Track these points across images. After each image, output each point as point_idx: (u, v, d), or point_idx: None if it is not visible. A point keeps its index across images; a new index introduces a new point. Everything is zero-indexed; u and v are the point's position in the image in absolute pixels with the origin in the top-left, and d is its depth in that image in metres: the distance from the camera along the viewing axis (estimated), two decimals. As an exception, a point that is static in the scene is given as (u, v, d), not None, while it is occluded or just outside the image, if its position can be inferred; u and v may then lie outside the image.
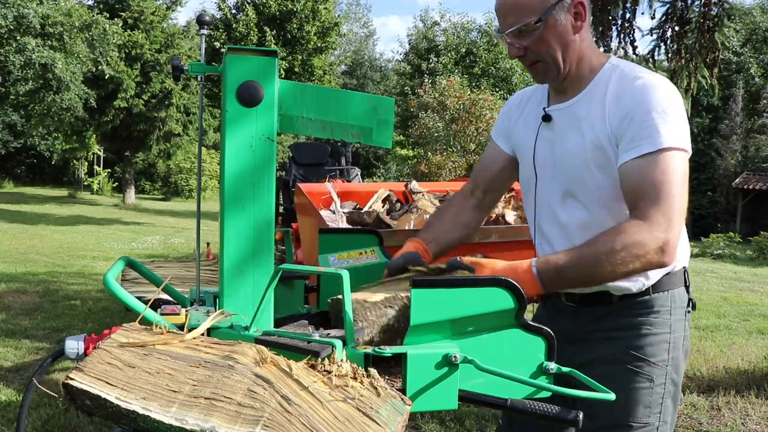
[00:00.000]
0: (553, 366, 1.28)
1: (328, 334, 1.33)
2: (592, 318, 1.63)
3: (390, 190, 4.43)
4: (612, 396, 1.24)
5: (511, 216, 3.84)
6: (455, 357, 1.21)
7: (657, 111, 1.43)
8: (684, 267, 1.64)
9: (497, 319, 1.26)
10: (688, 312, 1.65)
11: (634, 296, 1.58)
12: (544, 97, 1.69)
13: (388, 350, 1.22)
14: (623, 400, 1.54)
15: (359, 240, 1.88)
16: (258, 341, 1.24)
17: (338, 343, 1.23)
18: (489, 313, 1.25)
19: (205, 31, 1.64)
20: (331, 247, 1.85)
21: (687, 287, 1.64)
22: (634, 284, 1.56)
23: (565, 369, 1.29)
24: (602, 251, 1.39)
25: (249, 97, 1.42)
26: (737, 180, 25.14)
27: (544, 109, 1.65)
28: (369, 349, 1.24)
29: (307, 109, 1.53)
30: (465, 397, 1.24)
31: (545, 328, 1.28)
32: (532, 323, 1.27)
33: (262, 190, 1.46)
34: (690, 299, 1.65)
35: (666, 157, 1.41)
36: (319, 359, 1.16)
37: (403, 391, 1.20)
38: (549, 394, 1.28)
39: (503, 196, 3.82)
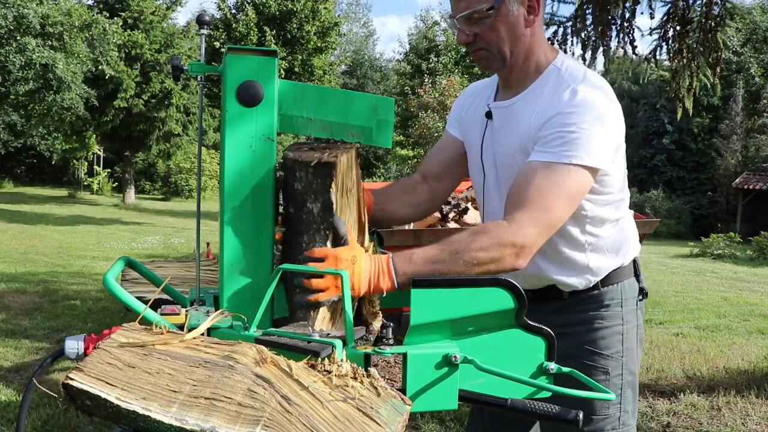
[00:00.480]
0: (553, 366, 1.28)
1: (328, 334, 1.33)
2: (545, 313, 1.59)
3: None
4: (612, 396, 1.25)
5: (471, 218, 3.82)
6: (455, 357, 1.21)
7: (575, 124, 1.40)
8: (634, 258, 1.65)
9: (497, 319, 1.26)
10: (640, 300, 1.67)
11: (584, 292, 1.59)
12: (492, 92, 1.68)
13: (389, 350, 1.22)
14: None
15: (358, 240, 1.87)
16: (258, 341, 1.24)
17: (338, 343, 1.23)
18: (489, 313, 1.25)
19: (205, 31, 1.63)
20: (331, 247, 1.84)
21: (637, 276, 1.66)
22: (580, 281, 1.58)
23: (565, 369, 1.29)
24: (460, 250, 1.35)
25: (249, 96, 1.42)
26: (737, 180, 25.14)
27: (488, 105, 1.64)
28: (369, 349, 1.24)
29: (307, 109, 1.53)
30: (465, 397, 1.24)
31: (545, 328, 1.28)
32: (532, 323, 1.27)
33: (262, 190, 1.45)
34: (641, 288, 1.67)
35: (563, 171, 1.39)
36: (319, 359, 1.16)
37: (403, 391, 1.20)
38: (549, 394, 1.28)
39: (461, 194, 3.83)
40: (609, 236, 1.58)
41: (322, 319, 1.39)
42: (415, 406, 1.21)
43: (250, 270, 1.47)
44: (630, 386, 1.64)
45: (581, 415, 1.20)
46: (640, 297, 1.67)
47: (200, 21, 1.64)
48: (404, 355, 1.21)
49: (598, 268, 1.59)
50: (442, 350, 1.22)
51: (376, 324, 1.42)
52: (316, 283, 1.31)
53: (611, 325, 1.60)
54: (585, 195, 1.46)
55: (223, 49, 1.46)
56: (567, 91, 1.46)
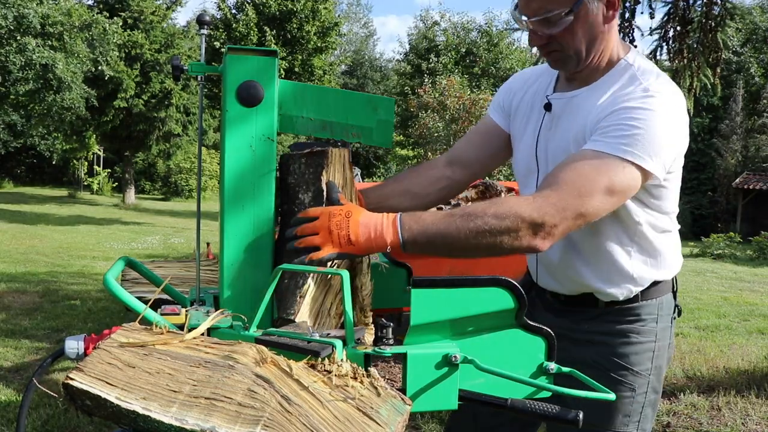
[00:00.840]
0: (553, 366, 1.27)
1: (328, 334, 1.33)
2: (577, 319, 1.57)
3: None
4: (612, 396, 1.24)
5: None
6: (455, 357, 1.21)
7: (641, 120, 1.31)
8: (674, 276, 1.58)
9: (497, 319, 1.26)
10: (674, 319, 1.60)
11: (622, 303, 1.52)
12: (552, 81, 1.58)
13: (389, 350, 1.22)
14: (603, 408, 1.49)
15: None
16: (258, 341, 1.24)
17: (338, 343, 1.23)
18: (489, 313, 1.24)
19: (205, 31, 1.63)
20: (331, 247, 1.84)
21: (674, 294, 1.60)
22: (621, 292, 1.51)
23: (565, 369, 1.29)
24: (473, 213, 1.25)
25: (249, 97, 1.42)
26: (737, 180, 25.15)
27: (547, 96, 1.54)
28: (369, 349, 1.24)
29: (307, 109, 1.53)
30: (465, 397, 1.24)
31: (545, 328, 1.27)
32: (532, 323, 1.27)
33: (262, 190, 1.45)
34: (676, 305, 1.60)
35: (613, 163, 1.29)
36: (319, 359, 1.16)
37: (403, 390, 1.20)
38: (549, 394, 1.28)
39: (503, 195, 3.82)
40: (656, 248, 1.51)
41: (307, 311, 1.38)
42: (415, 406, 1.21)
43: (250, 270, 1.47)
44: (651, 405, 1.58)
45: (581, 415, 1.20)
46: (674, 315, 1.59)
47: (200, 21, 1.64)
48: (404, 355, 1.21)
49: (641, 279, 1.51)
50: (442, 350, 1.22)
51: (368, 336, 1.37)
52: (309, 230, 1.25)
53: (645, 341, 1.53)
54: (629, 196, 1.35)
55: (223, 49, 1.45)
56: (639, 88, 1.37)
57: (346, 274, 1.29)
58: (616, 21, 1.45)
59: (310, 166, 1.43)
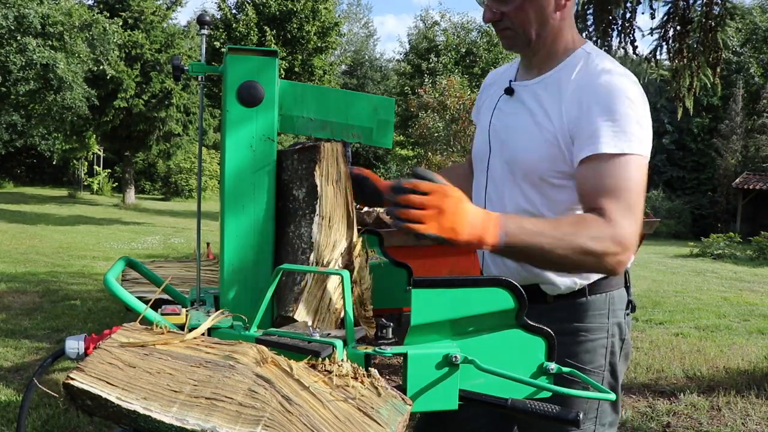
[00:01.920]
0: (553, 366, 1.27)
1: (329, 334, 1.33)
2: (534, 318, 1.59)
3: (390, 190, 4.42)
4: (612, 396, 1.24)
5: None
6: (456, 357, 1.21)
7: (618, 112, 1.35)
8: (625, 268, 1.54)
9: (497, 319, 1.26)
10: (627, 314, 1.58)
11: (569, 297, 1.52)
12: (513, 73, 1.64)
13: (389, 350, 1.22)
14: (560, 405, 1.50)
15: (359, 240, 1.87)
16: (258, 341, 1.24)
17: (338, 343, 1.23)
18: (489, 313, 1.24)
19: (205, 31, 1.64)
20: (332, 247, 1.84)
21: (627, 288, 1.58)
22: (564, 281, 1.50)
23: (565, 369, 1.29)
24: (571, 233, 1.28)
25: (249, 97, 1.42)
26: (737, 180, 25.15)
27: (510, 81, 1.59)
28: (370, 349, 1.24)
29: (308, 109, 1.53)
30: (465, 397, 1.24)
31: (545, 328, 1.27)
32: (532, 323, 1.27)
33: (262, 190, 1.45)
34: (630, 301, 1.58)
35: (625, 163, 1.34)
36: (320, 359, 1.16)
37: (403, 390, 1.20)
38: (549, 394, 1.28)
39: None
40: None
41: (305, 308, 1.38)
42: (415, 406, 1.21)
43: (251, 270, 1.47)
44: (612, 404, 1.57)
45: (582, 415, 1.20)
46: (628, 311, 1.58)
47: (201, 21, 1.65)
48: (404, 355, 1.21)
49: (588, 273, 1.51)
50: (443, 350, 1.22)
51: (370, 331, 1.39)
52: (417, 202, 1.21)
53: (597, 338, 1.52)
54: None
55: (223, 49, 1.46)
56: (603, 78, 1.40)
57: (346, 274, 1.29)
58: (570, 10, 1.49)
59: (303, 161, 1.43)
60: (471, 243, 1.26)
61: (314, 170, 1.41)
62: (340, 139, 1.55)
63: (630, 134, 1.35)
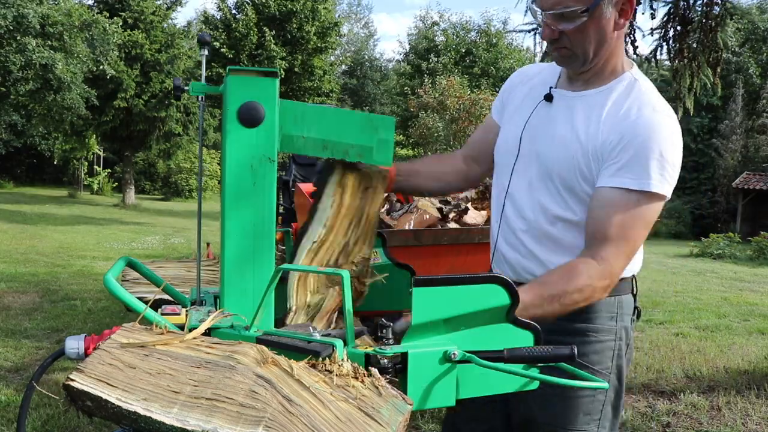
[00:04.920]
0: None
1: (329, 334, 1.33)
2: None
3: (390, 190, 4.42)
4: (606, 385, 1.27)
5: None
6: (454, 354, 1.22)
7: (656, 152, 1.39)
8: (633, 274, 1.60)
9: (490, 315, 1.28)
10: (633, 320, 1.61)
11: None
12: (554, 77, 1.62)
13: (389, 350, 1.22)
14: (564, 407, 1.53)
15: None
16: (259, 341, 1.24)
17: (339, 343, 1.23)
18: (484, 310, 1.26)
19: (205, 52, 1.64)
20: (332, 247, 1.84)
21: (634, 295, 1.62)
22: None
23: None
24: (556, 294, 1.39)
25: (250, 117, 1.42)
26: (737, 180, 25.14)
27: (550, 88, 1.59)
28: (370, 349, 1.24)
29: (308, 129, 1.53)
30: (464, 361, 1.24)
31: (533, 323, 1.29)
32: (520, 318, 1.29)
33: (262, 190, 1.45)
34: (636, 307, 1.62)
35: (644, 201, 1.40)
36: (320, 359, 1.16)
37: (403, 389, 1.20)
38: (537, 384, 1.30)
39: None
40: None
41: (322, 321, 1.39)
42: (416, 405, 1.21)
43: (251, 270, 1.47)
44: (611, 404, 1.60)
45: (575, 349, 1.21)
46: (634, 316, 1.62)
47: (201, 41, 1.64)
48: (405, 354, 1.22)
49: None
50: (442, 348, 1.23)
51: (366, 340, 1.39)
52: None
53: (605, 339, 1.56)
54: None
55: (222, 50, 1.45)
56: (646, 113, 1.43)
57: (346, 274, 1.29)
58: (624, 31, 1.50)
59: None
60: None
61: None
62: (340, 158, 1.55)
63: (661, 176, 1.40)
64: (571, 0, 1.40)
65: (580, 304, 1.41)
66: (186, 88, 1.54)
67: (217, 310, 1.45)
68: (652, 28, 5.11)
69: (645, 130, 1.41)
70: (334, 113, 1.56)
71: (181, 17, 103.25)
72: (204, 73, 1.62)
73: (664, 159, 1.40)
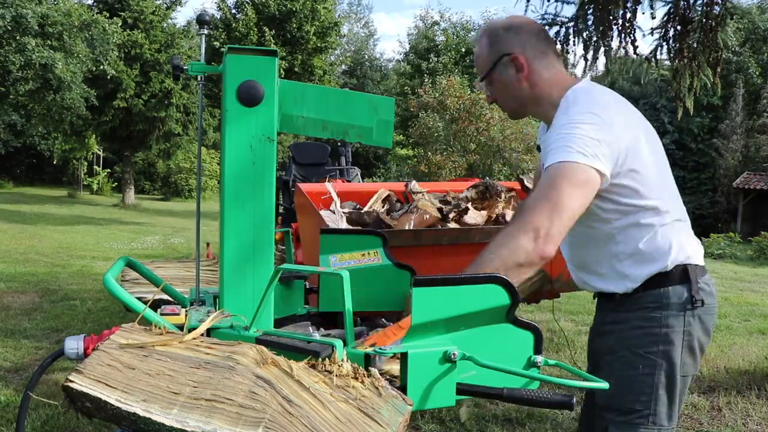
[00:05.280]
0: (540, 359, 1.31)
1: (329, 334, 1.33)
2: (602, 312, 1.79)
3: (390, 190, 4.42)
4: (605, 385, 1.32)
5: (510, 216, 3.84)
6: (454, 354, 1.21)
7: (564, 126, 1.55)
8: (684, 265, 1.67)
9: (490, 315, 1.27)
10: (689, 309, 1.67)
11: (630, 295, 1.69)
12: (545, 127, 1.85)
13: (389, 350, 1.22)
14: (613, 387, 1.60)
15: (362, 241, 1.87)
16: (258, 341, 1.24)
17: (338, 343, 1.22)
18: (484, 310, 1.26)
19: (205, 31, 1.63)
20: (334, 248, 1.84)
21: (689, 285, 1.67)
22: (618, 287, 1.70)
23: (551, 361, 1.32)
24: (491, 249, 1.49)
25: (249, 96, 1.41)
26: (738, 180, 25.14)
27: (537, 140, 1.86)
28: (370, 349, 1.24)
29: (308, 109, 1.53)
30: (462, 390, 1.25)
31: (533, 323, 1.30)
32: (521, 318, 1.29)
33: (262, 189, 1.45)
34: (692, 296, 1.67)
35: (566, 166, 1.51)
36: (320, 359, 1.15)
37: (403, 389, 1.19)
38: (538, 384, 1.32)
39: (504, 196, 3.82)
40: (644, 245, 1.66)
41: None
42: (416, 405, 1.20)
43: (250, 270, 1.46)
44: (665, 388, 1.67)
45: (575, 399, 1.23)
46: (690, 305, 1.68)
47: (200, 20, 1.64)
48: (405, 354, 1.21)
49: (635, 276, 1.67)
50: (442, 348, 1.22)
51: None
52: None
53: (647, 326, 1.67)
54: (594, 189, 1.54)
55: (222, 49, 1.45)
56: (563, 102, 1.64)
57: (346, 274, 1.28)
58: (540, 72, 1.69)
59: None
60: None
61: None
62: (340, 138, 1.55)
63: (570, 145, 1.53)
64: (480, 70, 1.74)
65: (509, 258, 1.45)
66: (185, 67, 1.54)
67: (216, 310, 1.44)
68: (652, 28, 5.10)
69: (561, 121, 1.59)
70: (334, 93, 1.56)
71: (180, 17, 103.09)
72: (203, 52, 1.61)
73: (572, 126, 1.54)
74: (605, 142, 1.54)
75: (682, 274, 1.67)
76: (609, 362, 1.69)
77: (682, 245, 1.68)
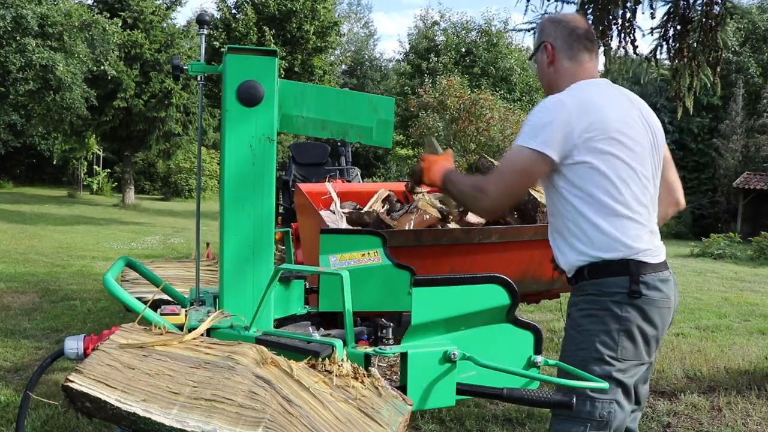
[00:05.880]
0: (540, 359, 1.31)
1: (329, 334, 1.33)
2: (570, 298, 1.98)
3: (390, 190, 4.43)
4: (605, 385, 1.30)
5: (509, 215, 3.84)
6: (454, 354, 1.21)
7: (527, 119, 1.87)
8: (627, 259, 1.82)
9: (490, 315, 1.27)
10: (629, 299, 1.81)
11: (578, 280, 1.87)
12: None
13: (389, 350, 1.22)
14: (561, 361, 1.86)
15: (362, 241, 1.87)
16: (258, 341, 1.24)
17: (338, 343, 1.22)
18: (484, 310, 1.26)
19: (204, 31, 1.63)
20: (334, 248, 1.84)
21: (632, 277, 1.82)
22: (567, 261, 1.88)
23: (551, 361, 1.32)
24: (463, 183, 1.91)
25: (249, 96, 1.41)
26: (738, 180, 25.12)
27: None
28: (370, 349, 1.24)
29: (307, 109, 1.53)
30: (462, 390, 1.25)
31: (533, 323, 1.30)
32: (521, 319, 1.29)
33: (262, 190, 1.45)
34: (633, 289, 1.82)
35: (516, 150, 1.84)
36: (320, 359, 1.15)
37: (403, 389, 1.19)
38: (538, 384, 1.32)
39: None
40: (586, 229, 1.83)
41: None
42: (416, 405, 1.20)
43: (250, 270, 1.46)
44: (598, 365, 1.74)
45: (575, 399, 1.24)
46: (633, 297, 1.82)
47: (200, 20, 1.64)
48: (405, 354, 1.21)
49: (579, 253, 1.84)
50: (442, 348, 1.22)
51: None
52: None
53: (588, 308, 1.82)
54: (537, 173, 1.84)
55: (222, 49, 1.45)
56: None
57: (346, 274, 1.28)
58: (561, 63, 1.99)
59: None
60: (433, 183, 1.95)
61: None
62: (339, 138, 1.55)
63: (525, 133, 1.84)
64: (531, 51, 2.10)
65: (467, 196, 1.87)
66: (185, 67, 1.54)
67: (216, 310, 1.44)
68: (651, 28, 5.10)
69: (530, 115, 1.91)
70: (334, 93, 1.56)
71: (180, 17, 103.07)
72: (203, 52, 1.61)
73: (530, 119, 1.85)
74: (564, 126, 1.81)
75: (624, 266, 1.82)
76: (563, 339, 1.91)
77: (630, 241, 1.83)
